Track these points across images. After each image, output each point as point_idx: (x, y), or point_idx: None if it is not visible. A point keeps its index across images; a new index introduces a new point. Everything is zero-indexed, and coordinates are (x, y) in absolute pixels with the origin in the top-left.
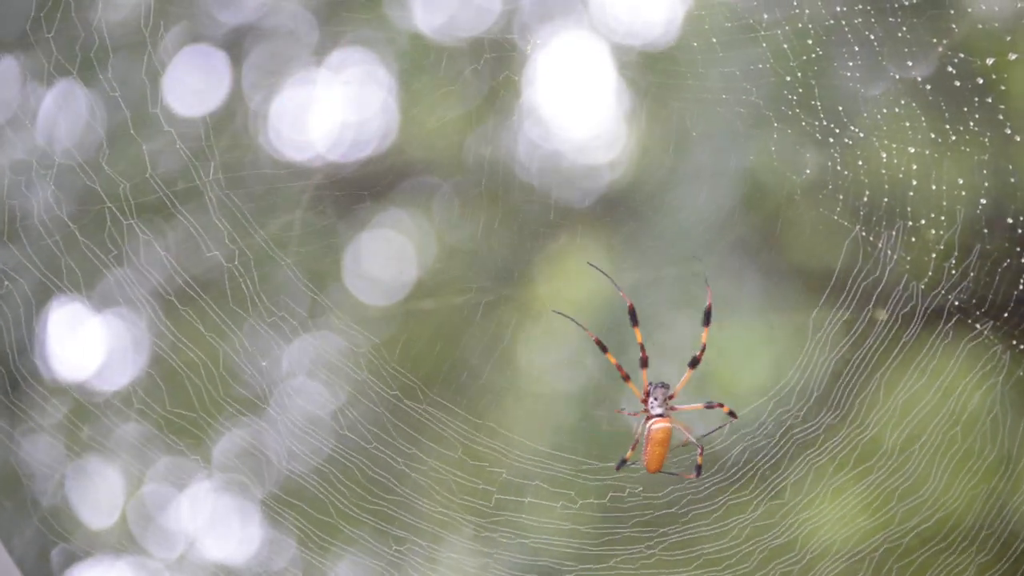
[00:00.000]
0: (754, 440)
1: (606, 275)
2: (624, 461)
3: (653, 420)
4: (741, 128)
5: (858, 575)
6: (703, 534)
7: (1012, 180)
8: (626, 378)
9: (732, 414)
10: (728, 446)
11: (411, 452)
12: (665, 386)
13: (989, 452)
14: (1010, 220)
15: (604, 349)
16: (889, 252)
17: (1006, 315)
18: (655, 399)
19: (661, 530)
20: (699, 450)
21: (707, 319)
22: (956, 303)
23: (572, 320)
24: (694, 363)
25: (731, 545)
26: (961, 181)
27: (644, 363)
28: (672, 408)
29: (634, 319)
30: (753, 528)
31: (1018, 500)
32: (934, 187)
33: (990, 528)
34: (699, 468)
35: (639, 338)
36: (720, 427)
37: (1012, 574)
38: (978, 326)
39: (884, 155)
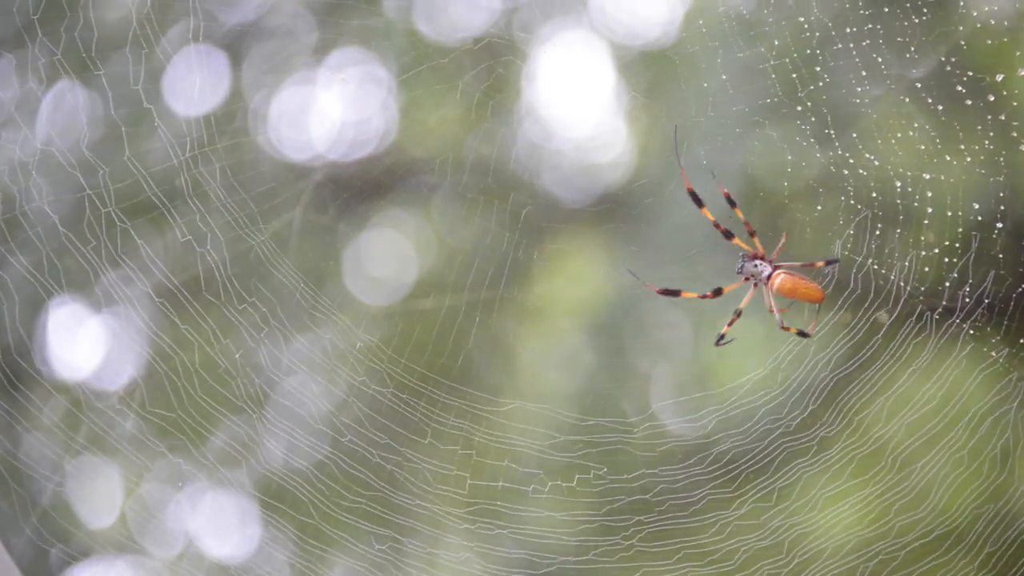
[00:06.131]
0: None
1: (635, 275)
2: (722, 336)
3: (771, 276)
4: (740, 128)
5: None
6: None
7: (1011, 180)
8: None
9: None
10: (715, 441)
11: (385, 442)
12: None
13: (991, 450)
14: (1009, 222)
15: (700, 204)
16: (888, 249)
17: (1006, 318)
18: (755, 265)
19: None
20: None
21: (731, 203)
22: (959, 302)
23: (636, 277)
24: (729, 235)
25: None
26: (965, 178)
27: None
28: (778, 265)
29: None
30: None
31: (1016, 494)
32: (941, 177)
33: (987, 521)
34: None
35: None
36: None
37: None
38: (977, 326)
39: (885, 153)
